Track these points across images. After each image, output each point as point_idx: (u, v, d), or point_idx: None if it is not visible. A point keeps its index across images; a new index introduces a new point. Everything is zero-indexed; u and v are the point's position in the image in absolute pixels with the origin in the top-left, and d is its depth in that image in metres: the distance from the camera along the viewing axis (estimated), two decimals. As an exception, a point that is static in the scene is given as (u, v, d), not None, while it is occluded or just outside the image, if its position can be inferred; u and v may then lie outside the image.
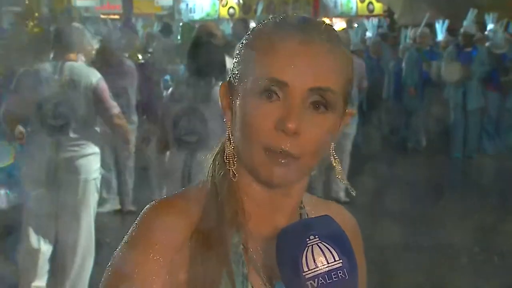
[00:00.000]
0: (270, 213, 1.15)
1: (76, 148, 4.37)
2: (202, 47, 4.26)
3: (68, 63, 4.41)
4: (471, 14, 10.08)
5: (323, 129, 1.09)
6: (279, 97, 1.07)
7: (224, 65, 4.24)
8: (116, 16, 17.08)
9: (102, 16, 16.66)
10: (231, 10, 19.09)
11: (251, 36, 1.15)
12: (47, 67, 4.41)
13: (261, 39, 1.11)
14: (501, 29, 10.56)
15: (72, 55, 4.46)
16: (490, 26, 10.93)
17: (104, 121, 4.56)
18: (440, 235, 6.16)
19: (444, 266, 5.46)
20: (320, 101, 1.08)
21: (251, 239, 1.13)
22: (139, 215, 1.13)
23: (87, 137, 4.44)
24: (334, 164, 1.17)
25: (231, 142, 1.14)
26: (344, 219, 1.26)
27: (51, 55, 4.50)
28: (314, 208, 1.23)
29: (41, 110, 4.32)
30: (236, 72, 1.14)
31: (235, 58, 1.17)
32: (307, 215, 1.21)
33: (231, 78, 1.16)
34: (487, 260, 5.53)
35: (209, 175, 1.17)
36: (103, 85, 4.45)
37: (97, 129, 4.55)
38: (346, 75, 1.12)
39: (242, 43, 1.16)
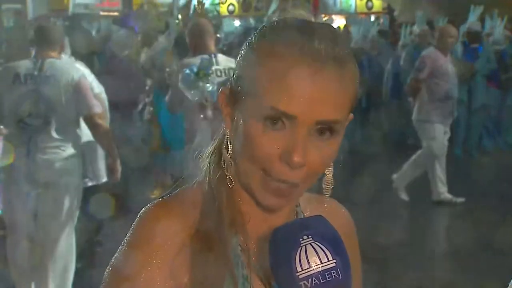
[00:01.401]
0: (267, 215, 1.14)
1: (56, 150, 4.23)
2: None
3: (49, 60, 4.29)
4: (475, 11, 10.06)
5: (328, 155, 1.07)
6: (284, 125, 1.04)
7: None
8: (116, 13, 17.05)
9: (101, 13, 16.65)
10: (231, 7, 19.05)
11: (257, 47, 1.08)
12: (27, 64, 4.27)
13: (269, 58, 1.05)
14: (501, 25, 10.54)
15: (53, 53, 4.33)
16: (490, 23, 10.92)
17: (84, 121, 4.37)
18: (440, 233, 6.17)
19: (444, 264, 5.46)
20: (327, 130, 1.06)
21: (249, 240, 1.12)
22: (136, 219, 1.12)
23: (68, 139, 4.29)
24: (326, 172, 1.14)
25: (228, 150, 1.12)
26: (339, 214, 1.27)
27: (33, 53, 4.37)
28: (308, 204, 1.22)
29: (19, 108, 4.19)
30: (240, 85, 1.10)
31: (238, 65, 1.12)
32: (302, 212, 1.20)
33: (233, 87, 1.12)
34: (488, 259, 5.54)
35: (205, 176, 1.15)
36: (85, 82, 4.32)
37: (78, 131, 4.40)
38: (353, 94, 1.08)
39: (248, 52, 1.10)
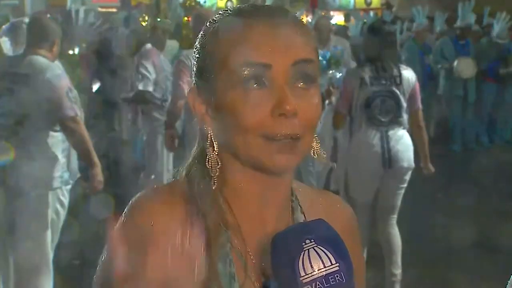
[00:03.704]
0: (258, 208, 1.14)
1: (29, 153, 3.95)
2: (382, 33, 4.72)
3: (29, 57, 4.04)
4: (468, 5, 10.06)
5: (315, 103, 1.09)
6: (264, 83, 1.06)
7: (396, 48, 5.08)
8: (114, 10, 16.99)
9: (99, 10, 16.59)
10: (229, 4, 19.03)
11: (212, 31, 1.12)
12: (7, 60, 4.05)
13: (227, 31, 1.10)
14: (504, 19, 10.51)
15: (42, 51, 4.08)
16: (488, 19, 10.93)
17: (59, 124, 4.06)
18: (438, 230, 6.17)
19: (443, 262, 5.46)
20: (304, 76, 1.08)
21: (239, 237, 1.11)
22: (125, 209, 1.11)
23: (44, 141, 4.02)
24: (313, 144, 1.15)
25: (214, 148, 1.12)
26: (340, 209, 1.26)
27: (23, 49, 4.14)
28: (308, 200, 1.22)
29: None
30: (205, 72, 1.12)
31: (197, 58, 1.14)
32: (300, 207, 1.19)
33: (198, 80, 1.14)
34: (487, 254, 5.55)
35: (189, 180, 1.14)
36: (58, 82, 4.01)
37: (55, 133, 4.10)
38: (313, 39, 1.14)
39: (203, 40, 1.14)
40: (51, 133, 4.08)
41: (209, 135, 1.12)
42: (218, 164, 1.11)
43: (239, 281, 1.09)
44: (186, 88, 4.72)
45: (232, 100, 1.06)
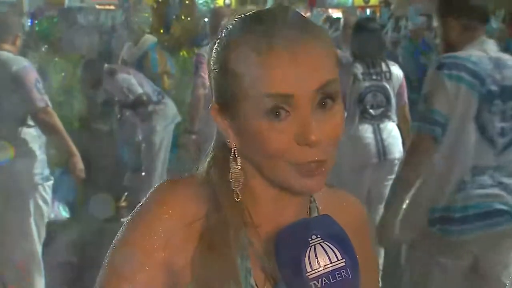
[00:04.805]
0: (276, 211, 1.14)
1: (4, 151, 3.87)
2: (368, 30, 4.90)
3: None
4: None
5: (337, 123, 1.07)
6: (287, 111, 1.04)
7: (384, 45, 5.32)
8: (112, 7, 16.96)
9: (97, 7, 16.57)
10: (227, 1, 19.01)
11: (228, 50, 1.07)
12: None
13: (244, 51, 1.05)
14: (498, 17, 10.49)
15: (5, 45, 4.04)
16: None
17: (30, 116, 3.98)
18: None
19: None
20: (326, 97, 1.05)
21: (256, 235, 1.11)
22: (149, 193, 1.12)
23: (17, 137, 3.95)
24: None
25: (237, 163, 1.10)
26: (352, 206, 1.25)
27: None
28: (321, 198, 1.20)
29: None
30: (224, 93, 1.09)
31: (215, 74, 1.10)
32: (318, 209, 1.19)
33: (219, 98, 1.10)
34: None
35: (208, 177, 1.14)
36: (26, 75, 3.93)
37: (29, 129, 4.03)
38: (334, 52, 1.10)
39: (220, 57, 1.08)
40: (25, 129, 4.03)
41: (232, 150, 1.11)
42: (242, 177, 1.10)
43: (254, 277, 1.10)
44: (206, 78, 4.69)
45: (255, 129, 1.05)
